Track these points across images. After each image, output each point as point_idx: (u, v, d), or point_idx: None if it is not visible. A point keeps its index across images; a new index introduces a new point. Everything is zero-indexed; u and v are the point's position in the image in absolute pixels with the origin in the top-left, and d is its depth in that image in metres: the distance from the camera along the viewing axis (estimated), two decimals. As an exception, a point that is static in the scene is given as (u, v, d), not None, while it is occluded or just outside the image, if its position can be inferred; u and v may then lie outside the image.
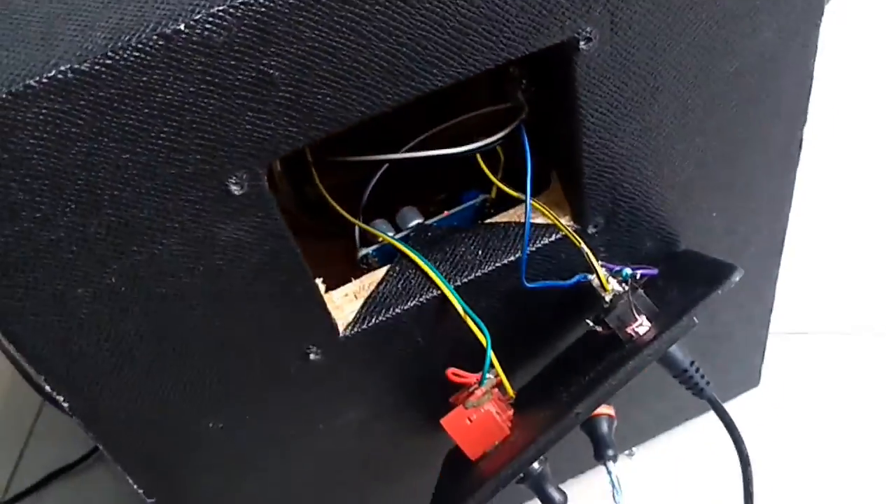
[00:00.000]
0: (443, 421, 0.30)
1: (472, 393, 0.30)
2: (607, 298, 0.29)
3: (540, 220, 0.33)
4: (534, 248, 0.32)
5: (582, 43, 0.26)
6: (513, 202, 0.34)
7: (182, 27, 0.20)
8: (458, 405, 0.31)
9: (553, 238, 0.32)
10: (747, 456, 0.35)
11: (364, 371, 0.33)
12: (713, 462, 0.47)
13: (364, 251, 0.34)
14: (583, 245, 0.29)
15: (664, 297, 0.29)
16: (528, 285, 0.31)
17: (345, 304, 0.32)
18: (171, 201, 0.24)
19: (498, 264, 0.32)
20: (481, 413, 0.30)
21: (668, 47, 0.27)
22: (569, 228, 0.31)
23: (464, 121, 0.35)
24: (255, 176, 0.24)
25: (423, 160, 0.33)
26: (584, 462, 0.43)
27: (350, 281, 0.32)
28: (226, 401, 0.30)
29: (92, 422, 0.28)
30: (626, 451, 0.49)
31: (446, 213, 0.35)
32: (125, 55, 0.20)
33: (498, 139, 0.32)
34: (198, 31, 0.21)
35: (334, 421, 0.34)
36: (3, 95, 0.20)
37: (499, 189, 0.36)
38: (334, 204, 0.34)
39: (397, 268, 0.32)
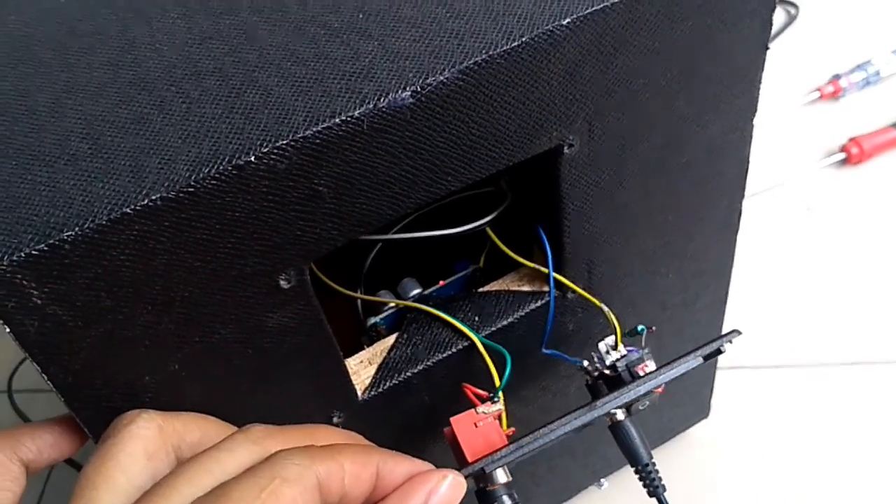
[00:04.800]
0: (452, 419, 0.33)
1: (482, 401, 0.34)
2: (615, 357, 0.34)
3: (527, 287, 0.38)
4: (523, 313, 0.37)
5: (566, 148, 0.31)
6: (498, 272, 0.39)
7: (252, 158, 0.24)
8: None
9: (539, 304, 0.37)
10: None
11: (378, 429, 0.37)
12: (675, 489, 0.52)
13: (372, 320, 0.38)
14: (603, 307, 0.34)
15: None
16: (545, 351, 0.36)
17: (360, 370, 0.36)
18: (231, 297, 0.27)
19: (493, 328, 0.36)
20: (488, 421, 0.34)
21: (632, 147, 0.33)
22: (588, 294, 0.36)
23: (452, 202, 0.39)
24: (301, 272, 0.28)
25: (419, 240, 0.38)
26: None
27: (363, 348, 0.37)
28: (260, 464, 0.34)
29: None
30: (597, 483, 0.54)
31: (442, 282, 0.40)
32: (205, 183, 0.24)
33: (487, 221, 0.36)
34: (265, 161, 0.25)
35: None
36: (104, 221, 0.23)
37: (485, 259, 0.41)
38: (338, 287, 0.38)
39: (405, 335, 0.37)
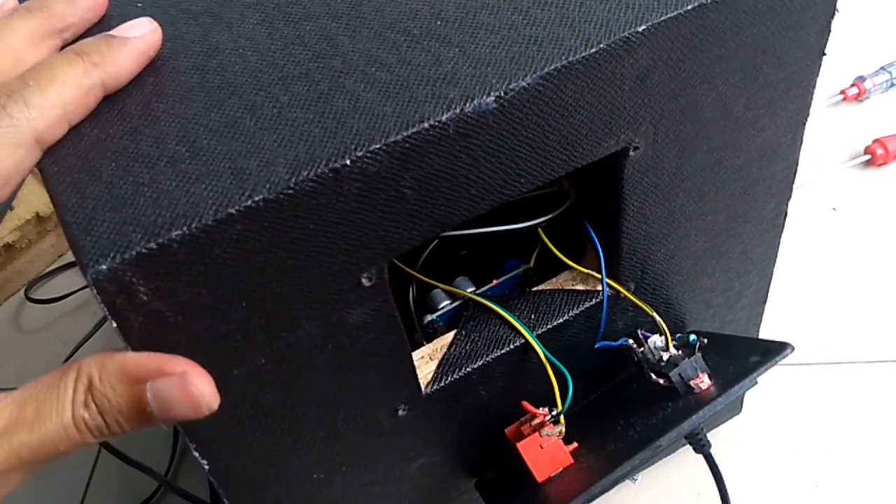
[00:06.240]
0: (519, 444, 0.35)
1: (543, 425, 0.35)
2: (665, 357, 0.35)
3: (580, 286, 0.39)
4: (578, 312, 0.38)
5: (631, 151, 0.32)
6: (548, 271, 0.40)
7: (347, 162, 0.26)
8: (521, 435, 0.36)
9: (592, 302, 0.38)
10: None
11: (438, 422, 0.38)
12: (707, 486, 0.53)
13: (429, 317, 0.39)
14: (655, 315, 0.35)
15: (709, 363, 0.35)
16: (597, 346, 0.37)
17: (422, 365, 0.37)
18: (317, 294, 0.29)
19: (549, 326, 0.38)
20: (552, 442, 0.35)
21: (692, 149, 0.34)
22: (636, 299, 0.37)
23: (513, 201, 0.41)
24: (381, 270, 0.30)
25: (471, 237, 0.39)
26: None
27: (418, 344, 0.38)
28: (330, 455, 0.35)
29: (225, 481, 0.32)
30: (631, 478, 0.55)
31: (495, 281, 0.41)
32: (303, 186, 0.25)
33: (552, 216, 0.37)
34: (358, 164, 0.26)
35: (409, 466, 0.39)
36: (210, 221, 0.25)
37: (536, 258, 0.42)
38: (416, 273, 0.40)
39: (463, 332, 0.38)
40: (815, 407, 0.57)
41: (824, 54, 0.34)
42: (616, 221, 0.35)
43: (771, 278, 0.45)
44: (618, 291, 0.38)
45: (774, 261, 0.44)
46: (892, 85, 0.75)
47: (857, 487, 0.52)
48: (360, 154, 0.26)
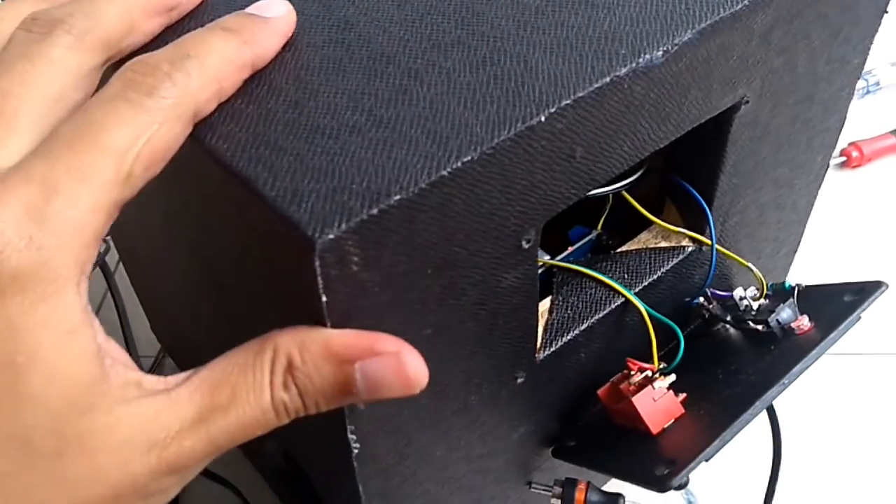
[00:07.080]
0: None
1: (653, 378, 0.37)
2: (754, 306, 0.37)
3: (664, 243, 0.40)
4: (668, 268, 0.39)
5: (743, 105, 0.34)
6: (621, 235, 0.42)
7: (542, 118, 0.26)
8: (619, 394, 0.37)
9: (680, 258, 0.40)
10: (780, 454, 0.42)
11: (543, 388, 0.38)
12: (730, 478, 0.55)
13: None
14: (750, 265, 0.37)
15: (801, 308, 0.37)
16: (707, 293, 0.38)
17: (531, 332, 0.37)
18: (486, 258, 0.28)
19: (644, 284, 0.39)
20: (664, 394, 0.36)
21: (781, 103, 0.36)
22: (728, 251, 0.38)
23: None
24: (538, 231, 0.30)
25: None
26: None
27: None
28: (455, 430, 0.35)
29: (366, 465, 0.31)
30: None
31: (570, 248, 0.42)
32: (503, 144, 0.25)
33: (628, 183, 0.38)
34: (549, 121, 0.26)
35: (511, 437, 0.39)
36: (424, 185, 0.24)
37: (604, 223, 0.43)
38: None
39: (560, 297, 0.38)
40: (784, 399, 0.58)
41: (886, 12, 0.37)
42: (713, 176, 0.37)
43: (805, 228, 0.48)
44: (700, 243, 0.40)
45: (811, 211, 0.47)
46: (868, 91, 0.80)
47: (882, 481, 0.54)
48: (552, 111, 0.26)
